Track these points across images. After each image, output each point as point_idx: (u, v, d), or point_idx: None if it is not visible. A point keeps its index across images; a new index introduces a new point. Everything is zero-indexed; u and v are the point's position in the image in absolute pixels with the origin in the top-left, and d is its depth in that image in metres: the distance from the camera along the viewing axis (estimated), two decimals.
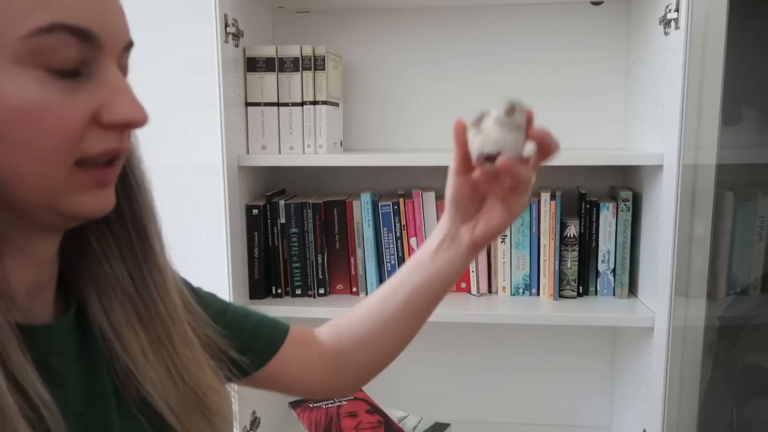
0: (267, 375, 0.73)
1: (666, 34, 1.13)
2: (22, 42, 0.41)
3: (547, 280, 1.28)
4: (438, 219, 1.32)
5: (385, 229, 1.30)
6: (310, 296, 1.32)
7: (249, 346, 0.70)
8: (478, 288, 1.32)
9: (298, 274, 1.31)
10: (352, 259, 1.32)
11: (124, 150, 0.49)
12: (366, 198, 1.29)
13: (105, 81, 0.45)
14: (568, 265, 1.28)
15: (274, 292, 1.32)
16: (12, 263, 0.46)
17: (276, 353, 0.73)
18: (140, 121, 0.47)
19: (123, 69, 0.49)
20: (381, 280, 1.33)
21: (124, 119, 0.45)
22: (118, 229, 0.55)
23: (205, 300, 0.69)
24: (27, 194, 0.44)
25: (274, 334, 0.75)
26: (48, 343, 0.48)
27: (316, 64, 1.25)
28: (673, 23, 1.09)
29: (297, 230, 1.29)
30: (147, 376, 0.54)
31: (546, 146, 0.63)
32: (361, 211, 1.30)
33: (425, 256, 0.72)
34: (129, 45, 0.49)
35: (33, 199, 0.44)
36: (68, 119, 0.43)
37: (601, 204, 1.26)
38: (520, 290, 1.31)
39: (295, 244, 1.29)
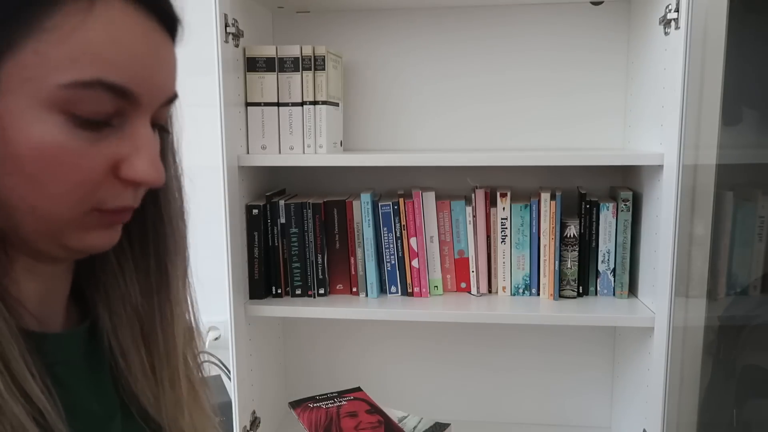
0: None
1: (666, 34, 1.13)
2: (59, 90, 0.41)
3: (547, 280, 1.28)
4: (438, 219, 1.32)
5: (385, 229, 1.30)
6: (310, 296, 1.32)
7: None
8: (478, 288, 1.32)
9: (298, 274, 1.31)
10: (352, 259, 1.32)
11: (136, 205, 0.49)
12: (366, 198, 1.29)
13: (131, 135, 0.45)
14: (568, 265, 1.28)
15: (274, 292, 1.32)
16: (23, 273, 0.47)
17: None
18: (154, 182, 0.46)
19: (162, 119, 0.50)
20: (381, 280, 1.33)
21: (139, 178, 0.45)
22: (140, 254, 0.55)
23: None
24: (35, 225, 0.44)
25: None
26: (56, 352, 0.49)
27: (316, 64, 1.25)
28: (673, 23, 1.09)
29: (297, 230, 1.29)
30: (144, 394, 0.55)
31: None
32: (361, 211, 1.30)
33: None
34: (171, 99, 0.49)
35: (40, 229, 0.45)
36: (88, 169, 0.43)
37: (601, 204, 1.26)
38: (520, 290, 1.31)
39: (295, 244, 1.29)
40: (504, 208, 1.28)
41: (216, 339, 1.55)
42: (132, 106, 0.44)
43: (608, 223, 1.26)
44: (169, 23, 0.47)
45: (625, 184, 1.38)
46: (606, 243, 1.27)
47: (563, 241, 1.28)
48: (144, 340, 0.55)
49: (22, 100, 0.41)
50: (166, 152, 0.54)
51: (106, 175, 0.45)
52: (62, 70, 0.41)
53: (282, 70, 1.26)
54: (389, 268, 1.31)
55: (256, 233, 1.28)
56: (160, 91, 0.46)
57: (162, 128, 0.51)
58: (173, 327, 0.57)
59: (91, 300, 0.55)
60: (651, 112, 1.22)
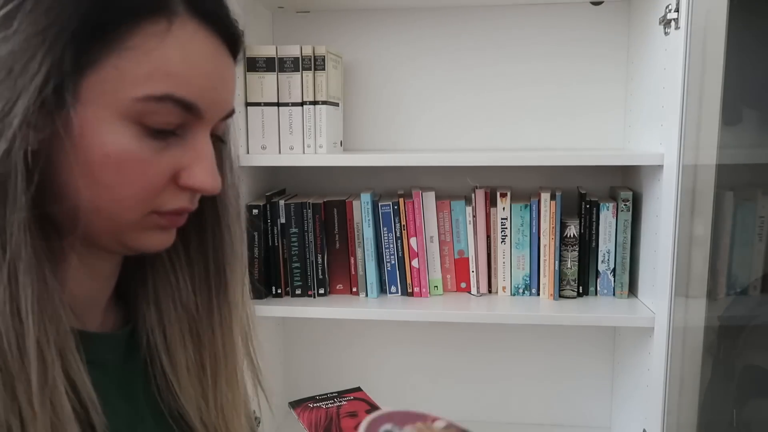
0: None
1: (666, 34, 1.13)
2: (134, 103, 0.44)
3: (547, 280, 1.28)
4: (438, 219, 1.32)
5: (385, 229, 1.30)
6: (310, 296, 1.31)
7: None
8: (478, 288, 1.32)
9: (298, 274, 1.31)
10: (352, 259, 1.32)
11: (193, 208, 0.52)
12: (366, 198, 1.29)
13: (193, 146, 0.48)
14: (568, 265, 1.28)
15: (274, 292, 1.32)
16: (75, 271, 0.49)
17: None
18: (210, 190, 0.49)
19: (220, 131, 0.53)
20: (381, 280, 1.33)
21: (197, 186, 0.49)
22: (197, 256, 0.58)
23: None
24: (98, 225, 0.47)
25: None
26: (97, 351, 0.50)
27: (316, 64, 1.25)
28: (673, 23, 1.09)
29: (297, 230, 1.29)
30: (187, 392, 0.57)
31: None
32: (361, 211, 1.30)
33: None
34: (229, 114, 0.52)
35: (102, 229, 0.48)
36: (152, 176, 0.47)
37: (601, 204, 1.26)
38: (520, 290, 1.31)
39: (295, 244, 1.29)
40: (504, 208, 1.28)
41: None
42: (196, 119, 0.48)
43: (608, 223, 1.26)
44: (233, 43, 0.51)
45: (625, 184, 1.38)
46: (606, 243, 1.27)
47: (563, 241, 1.27)
48: (192, 338, 0.57)
49: (99, 111, 0.44)
50: (224, 162, 0.57)
51: (168, 182, 0.48)
52: (138, 85, 0.44)
53: (282, 70, 1.26)
54: (389, 268, 1.31)
55: (256, 233, 1.28)
56: (221, 107, 0.50)
57: (219, 139, 0.55)
58: (232, 329, 0.59)
59: (136, 302, 0.57)
60: (651, 112, 1.22)
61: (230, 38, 0.51)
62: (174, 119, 0.46)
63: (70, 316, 0.46)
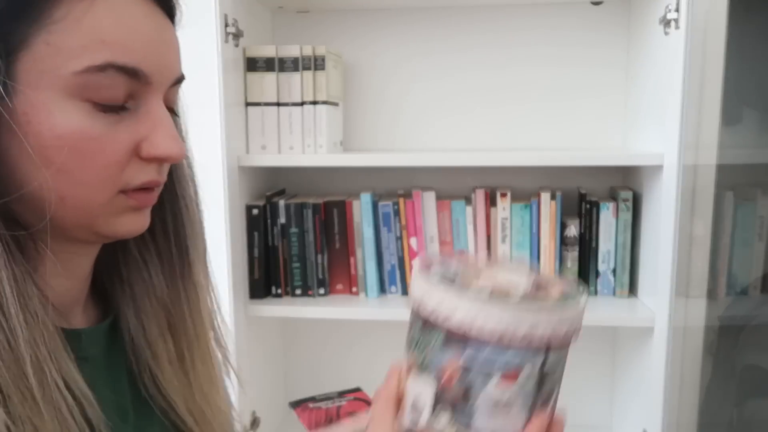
0: None
1: (666, 34, 1.13)
2: (75, 77, 0.42)
3: None
4: (438, 219, 1.32)
5: (385, 229, 1.30)
6: (310, 296, 1.31)
7: None
8: None
9: (298, 274, 1.31)
10: (352, 259, 1.32)
11: (163, 180, 0.50)
12: (366, 198, 1.29)
13: (148, 115, 0.47)
14: (568, 265, 1.28)
15: (274, 292, 1.32)
16: (51, 272, 0.48)
17: None
18: (176, 157, 0.48)
19: (171, 101, 0.51)
20: (381, 280, 1.33)
21: (161, 154, 0.47)
22: (162, 242, 0.57)
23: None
24: (67, 214, 0.46)
25: None
26: (80, 348, 0.50)
27: (316, 64, 1.25)
28: (673, 23, 1.09)
29: (297, 230, 1.29)
30: (171, 384, 0.57)
31: None
32: (361, 211, 1.30)
33: None
34: (179, 80, 0.51)
35: (72, 219, 0.46)
36: (111, 152, 0.45)
37: (601, 204, 1.26)
38: None
39: (295, 244, 1.29)
40: (504, 208, 1.28)
41: None
42: (144, 87, 0.46)
43: (608, 223, 1.26)
44: (168, 6, 0.49)
45: (625, 184, 1.38)
46: (606, 243, 1.27)
47: (563, 241, 1.27)
48: (170, 330, 0.57)
49: (42, 93, 0.42)
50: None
51: (130, 156, 0.46)
52: (75, 58, 0.42)
53: (282, 70, 1.26)
54: (389, 268, 1.31)
55: (256, 233, 1.28)
56: (169, 71, 0.48)
57: (172, 111, 0.53)
58: (200, 309, 0.59)
59: (113, 296, 0.56)
60: (651, 112, 1.22)
61: (164, 1, 0.49)
62: (121, 88, 0.44)
63: (52, 315, 0.45)
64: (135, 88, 0.45)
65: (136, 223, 0.49)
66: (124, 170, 0.46)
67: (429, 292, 0.46)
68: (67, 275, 0.50)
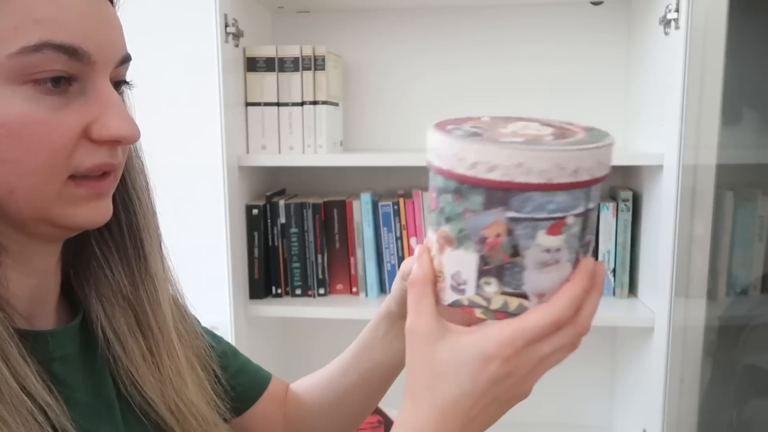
0: (238, 425, 0.70)
1: (666, 34, 1.13)
2: (11, 60, 0.41)
3: None
4: None
5: (385, 229, 1.30)
6: (310, 296, 1.31)
7: (232, 385, 0.68)
8: None
9: (298, 274, 1.31)
10: (352, 259, 1.32)
11: (118, 164, 0.48)
12: (366, 198, 1.29)
13: (96, 97, 0.45)
14: None
15: (274, 292, 1.32)
16: (13, 271, 0.46)
17: (256, 401, 0.72)
18: (129, 137, 0.46)
19: (119, 82, 0.49)
20: (381, 280, 1.33)
21: (113, 135, 0.45)
22: (117, 237, 0.55)
23: (197, 327, 0.69)
24: (20, 207, 0.44)
25: (257, 380, 0.73)
26: (50, 349, 0.49)
27: (316, 64, 1.25)
28: (673, 23, 1.09)
29: (297, 230, 1.29)
30: (147, 380, 0.55)
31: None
32: (361, 211, 1.30)
33: (375, 337, 0.69)
34: (125, 59, 0.48)
35: (27, 211, 0.44)
36: (57, 135, 0.43)
37: (601, 204, 1.26)
38: None
39: (295, 244, 1.29)
40: None
41: None
42: (88, 67, 0.44)
43: (608, 223, 1.26)
44: None
45: (625, 184, 1.38)
46: (606, 243, 1.27)
47: None
48: (139, 327, 0.56)
49: None
50: None
51: (78, 140, 0.44)
52: (8, 40, 0.40)
53: (282, 70, 1.26)
54: (389, 268, 1.31)
55: (256, 233, 1.28)
56: (112, 49, 0.46)
57: (124, 83, 0.51)
58: (160, 301, 0.57)
59: (82, 296, 0.55)
60: (651, 112, 1.22)
61: None
62: (62, 69, 0.42)
63: (10, 318, 0.44)
64: (78, 68, 0.44)
65: (94, 212, 0.47)
66: (73, 155, 0.44)
67: (464, 148, 0.43)
68: (30, 274, 0.49)
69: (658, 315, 1.15)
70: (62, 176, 0.44)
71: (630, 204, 1.26)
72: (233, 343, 1.24)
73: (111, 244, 0.55)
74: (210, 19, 1.14)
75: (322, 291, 1.32)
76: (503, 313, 0.46)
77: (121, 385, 0.55)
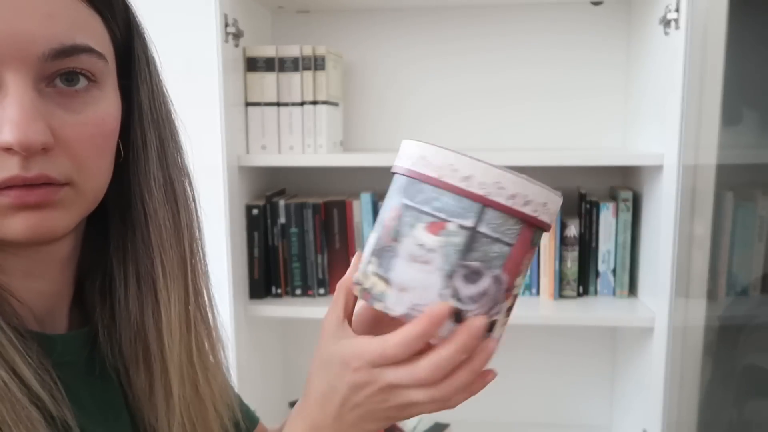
0: None
1: (666, 34, 1.13)
2: None
3: (547, 280, 1.28)
4: None
5: None
6: (310, 296, 1.31)
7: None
8: None
9: (298, 274, 1.31)
10: (352, 259, 1.32)
11: (37, 176, 0.41)
12: (366, 198, 1.29)
13: (2, 98, 0.40)
14: (568, 265, 1.28)
15: (274, 292, 1.32)
16: (19, 274, 0.46)
17: None
18: (19, 145, 0.39)
19: (69, 73, 0.43)
20: None
21: (5, 142, 0.40)
22: (137, 257, 0.52)
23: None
24: None
25: (246, 418, 0.71)
26: (57, 354, 0.48)
27: (316, 64, 1.25)
28: (673, 23, 1.09)
29: (297, 230, 1.29)
30: (153, 413, 0.54)
31: None
32: (361, 211, 1.30)
33: None
34: (59, 52, 0.42)
35: None
36: None
37: (601, 204, 1.26)
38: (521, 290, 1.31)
39: (295, 244, 1.29)
40: None
41: None
42: None
43: (608, 223, 1.26)
44: None
45: (625, 184, 1.38)
46: (606, 243, 1.27)
47: (563, 241, 1.27)
48: (144, 356, 0.53)
49: None
50: (134, 124, 0.50)
51: None
52: None
53: (282, 70, 1.26)
54: None
55: (256, 233, 1.28)
56: (21, 41, 0.40)
57: (80, 74, 0.44)
58: (171, 330, 0.53)
59: (92, 307, 0.54)
60: (651, 112, 1.22)
61: None
62: None
63: (24, 319, 0.44)
64: None
65: (28, 223, 0.42)
66: None
67: (402, 146, 0.49)
68: (37, 282, 0.48)
69: (658, 315, 1.15)
70: None
71: (630, 204, 1.26)
72: (233, 343, 1.24)
73: (131, 266, 0.52)
74: (210, 19, 1.14)
75: (322, 291, 1.32)
76: (368, 294, 0.49)
77: (132, 407, 0.54)
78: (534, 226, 0.46)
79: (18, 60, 0.40)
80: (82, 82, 0.44)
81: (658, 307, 1.15)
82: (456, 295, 0.45)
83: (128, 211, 0.51)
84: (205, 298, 0.58)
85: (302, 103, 1.26)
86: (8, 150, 0.40)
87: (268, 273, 1.31)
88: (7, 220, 0.42)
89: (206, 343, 0.58)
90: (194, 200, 0.56)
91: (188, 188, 0.55)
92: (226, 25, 1.17)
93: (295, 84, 1.26)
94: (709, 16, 1.17)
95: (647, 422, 1.19)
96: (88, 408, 0.50)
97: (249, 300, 1.29)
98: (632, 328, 1.29)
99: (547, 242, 1.27)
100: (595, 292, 1.29)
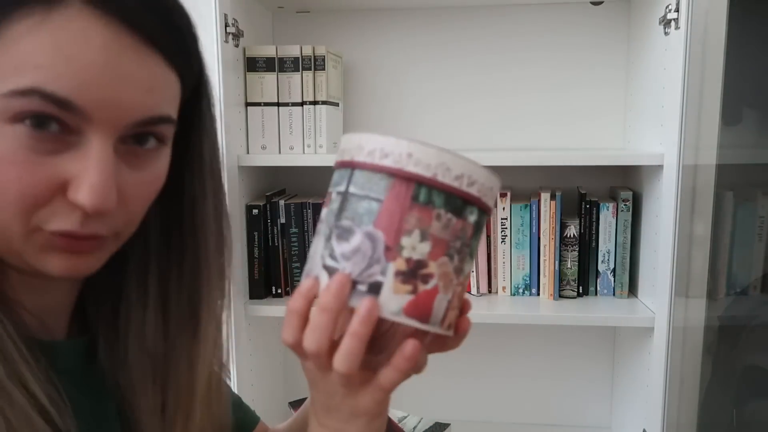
0: None
1: (666, 34, 1.13)
2: (2, 100, 0.40)
3: (547, 280, 1.28)
4: None
5: None
6: None
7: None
8: (478, 288, 1.32)
9: (298, 274, 1.31)
10: None
11: (89, 234, 0.44)
12: None
13: (85, 155, 0.42)
14: (568, 265, 1.28)
15: (274, 292, 1.32)
16: (18, 281, 0.46)
17: None
18: (91, 209, 0.41)
19: (142, 135, 0.45)
20: None
21: (76, 200, 0.42)
22: (167, 290, 0.53)
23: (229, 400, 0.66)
24: None
25: (246, 420, 0.72)
26: (54, 360, 0.48)
27: (316, 64, 1.25)
28: (673, 23, 1.09)
29: (297, 230, 1.29)
30: (151, 429, 0.54)
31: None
32: None
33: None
34: (147, 122, 0.44)
35: (1, 246, 0.44)
36: (29, 183, 0.41)
37: (601, 204, 1.26)
38: (520, 290, 1.31)
39: (295, 244, 1.29)
40: (504, 208, 1.28)
41: None
42: (85, 122, 0.41)
43: (608, 223, 1.26)
44: (154, 36, 0.43)
45: (625, 184, 1.38)
46: (606, 243, 1.27)
47: (563, 241, 1.27)
48: (157, 379, 0.53)
49: None
50: (194, 179, 0.52)
51: (52, 193, 0.42)
52: (5, 79, 0.40)
53: (282, 70, 1.26)
54: None
55: (256, 233, 1.28)
56: (118, 108, 0.42)
57: (152, 137, 0.46)
58: (196, 367, 0.54)
59: (92, 320, 0.54)
60: (651, 112, 1.22)
61: (144, 27, 0.42)
62: (51, 118, 0.40)
63: (26, 325, 0.44)
64: (72, 120, 0.41)
65: (62, 264, 0.44)
66: (44, 206, 0.42)
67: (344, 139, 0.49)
68: (37, 290, 0.48)
69: (658, 315, 1.15)
70: (27, 223, 0.42)
71: (630, 204, 1.26)
72: (233, 343, 1.24)
73: (152, 295, 0.53)
74: (210, 19, 1.14)
75: None
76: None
77: (129, 412, 0.54)
78: (409, 180, 0.44)
79: (110, 124, 0.42)
80: (152, 143, 0.46)
81: (658, 307, 1.15)
82: (332, 255, 0.45)
83: (173, 250, 0.53)
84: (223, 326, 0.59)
85: (302, 103, 1.26)
86: (77, 206, 0.42)
87: (268, 273, 1.31)
88: (47, 256, 0.44)
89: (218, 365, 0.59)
90: (231, 244, 0.58)
91: (229, 235, 0.57)
92: (226, 25, 1.17)
93: (295, 84, 1.26)
94: (709, 16, 1.17)
95: (647, 422, 1.19)
96: (82, 418, 0.50)
97: (249, 300, 1.29)
98: (632, 328, 1.29)
99: (547, 242, 1.27)
100: (595, 292, 1.29)
